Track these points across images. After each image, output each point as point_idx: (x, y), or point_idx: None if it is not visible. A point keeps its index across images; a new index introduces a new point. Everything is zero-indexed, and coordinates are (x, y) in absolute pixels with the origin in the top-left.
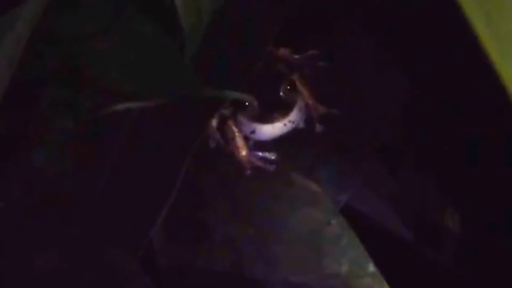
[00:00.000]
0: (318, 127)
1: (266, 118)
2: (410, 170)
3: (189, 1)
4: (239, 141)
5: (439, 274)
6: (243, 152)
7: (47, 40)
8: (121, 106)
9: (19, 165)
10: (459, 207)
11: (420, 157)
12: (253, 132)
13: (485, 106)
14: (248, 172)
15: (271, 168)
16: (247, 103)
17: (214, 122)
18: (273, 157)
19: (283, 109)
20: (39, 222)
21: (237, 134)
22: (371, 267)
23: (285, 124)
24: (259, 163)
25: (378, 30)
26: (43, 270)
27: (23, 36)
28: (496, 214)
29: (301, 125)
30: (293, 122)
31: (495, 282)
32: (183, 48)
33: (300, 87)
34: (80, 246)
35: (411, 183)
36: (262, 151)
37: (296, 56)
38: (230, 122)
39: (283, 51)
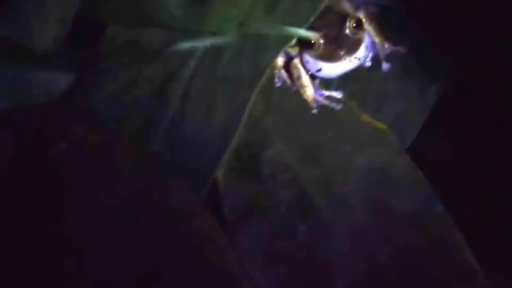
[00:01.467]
0: (385, 65)
1: (332, 56)
2: (479, 109)
3: None
4: (305, 80)
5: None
6: (309, 91)
7: None
8: (186, 44)
9: (81, 106)
10: None
11: (490, 93)
12: (319, 70)
13: None
14: (315, 111)
15: (338, 106)
16: (313, 41)
17: (280, 61)
18: (339, 96)
19: (349, 47)
20: (100, 164)
21: (303, 72)
22: (439, 207)
23: (350, 61)
24: (326, 102)
25: None
26: (109, 205)
27: None
28: None
29: (368, 63)
30: (359, 59)
31: None
32: None
33: (366, 24)
34: (143, 185)
35: (478, 122)
36: (328, 89)
37: None
38: (296, 61)
39: None
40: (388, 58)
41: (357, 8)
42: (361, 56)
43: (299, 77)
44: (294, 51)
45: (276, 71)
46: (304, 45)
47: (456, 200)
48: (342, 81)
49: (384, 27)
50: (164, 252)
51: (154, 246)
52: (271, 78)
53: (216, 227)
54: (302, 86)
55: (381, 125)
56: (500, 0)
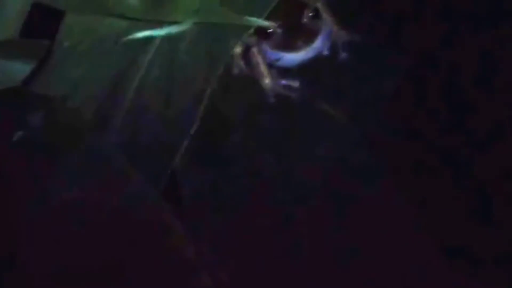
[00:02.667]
0: (342, 54)
1: (289, 45)
2: (436, 102)
3: None
4: (263, 69)
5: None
6: (267, 80)
7: None
8: (142, 34)
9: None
10: None
11: (446, 86)
12: (277, 59)
13: None
14: (272, 100)
15: (295, 96)
16: (270, 31)
17: (238, 50)
18: (297, 85)
19: (307, 37)
20: (59, 151)
21: (261, 61)
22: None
23: (308, 51)
24: (283, 91)
25: None
26: (67, 199)
27: None
28: None
29: (326, 52)
30: (317, 49)
31: None
32: None
33: (324, 14)
34: (100, 174)
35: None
36: (286, 78)
37: None
38: (254, 50)
39: None
40: (345, 47)
41: None
42: (318, 45)
43: (257, 66)
44: (252, 40)
45: (235, 59)
46: (262, 34)
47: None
48: (300, 70)
49: (341, 16)
50: (123, 243)
51: (113, 238)
52: (230, 67)
53: (174, 217)
54: (260, 75)
55: (339, 114)
56: None
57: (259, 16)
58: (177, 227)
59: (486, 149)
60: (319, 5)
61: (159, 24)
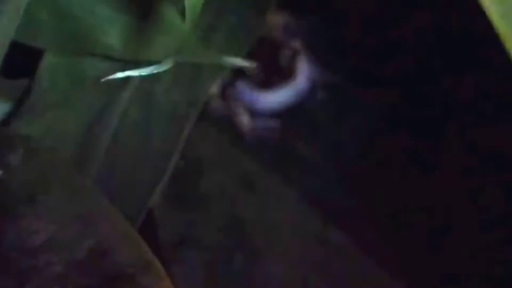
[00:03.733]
0: (320, 95)
1: (268, 85)
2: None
3: None
4: (241, 109)
5: None
6: (245, 120)
7: (45, 6)
8: (121, 74)
9: (18, 134)
10: None
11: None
12: (254, 99)
13: None
14: (250, 140)
15: (273, 136)
16: (248, 71)
17: (215, 90)
18: (274, 125)
19: (284, 77)
20: (37, 190)
21: (238, 102)
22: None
23: (286, 90)
24: (261, 131)
25: None
26: (45, 238)
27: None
28: None
29: (304, 92)
30: (295, 89)
31: None
32: (183, 13)
33: (302, 54)
34: (78, 212)
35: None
36: (263, 118)
37: (298, 22)
38: (232, 90)
39: (284, 18)
40: (323, 87)
41: (293, 37)
42: (297, 85)
43: (234, 106)
44: (230, 80)
45: (212, 100)
46: (240, 73)
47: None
48: (277, 110)
49: (320, 56)
50: (99, 281)
51: (89, 275)
52: (207, 107)
53: (151, 255)
54: (238, 115)
55: (316, 155)
56: None
57: (237, 56)
58: (154, 265)
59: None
60: (297, 45)
61: (138, 64)
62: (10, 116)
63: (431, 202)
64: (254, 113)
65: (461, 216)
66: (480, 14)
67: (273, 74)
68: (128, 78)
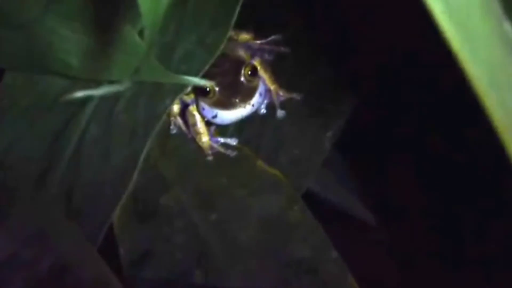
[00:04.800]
0: (280, 112)
1: (227, 103)
2: (372, 157)
3: None
4: (201, 127)
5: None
6: (205, 138)
7: (5, 23)
8: (81, 93)
9: None
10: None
11: (382, 143)
12: (214, 116)
13: None
14: (210, 157)
15: (233, 153)
16: (208, 89)
17: (175, 108)
18: (234, 143)
19: (244, 94)
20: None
21: (198, 119)
22: (334, 253)
23: (245, 108)
24: (221, 149)
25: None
26: (5, 257)
27: None
28: None
29: (263, 110)
30: (254, 106)
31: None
32: (142, 33)
33: (261, 72)
34: (40, 230)
35: (372, 169)
36: (224, 136)
37: (258, 41)
38: (192, 108)
39: (244, 36)
40: (282, 105)
41: (252, 55)
42: (256, 103)
43: (194, 124)
44: (189, 98)
45: (172, 118)
46: (200, 92)
47: (349, 245)
48: (237, 128)
49: (279, 75)
50: None
51: None
52: (167, 125)
53: (111, 274)
54: (198, 133)
55: (275, 172)
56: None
57: (196, 75)
58: (113, 284)
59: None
60: (256, 63)
61: (98, 82)
62: None
63: None
64: (214, 130)
65: None
66: None
67: (232, 92)
68: (88, 96)
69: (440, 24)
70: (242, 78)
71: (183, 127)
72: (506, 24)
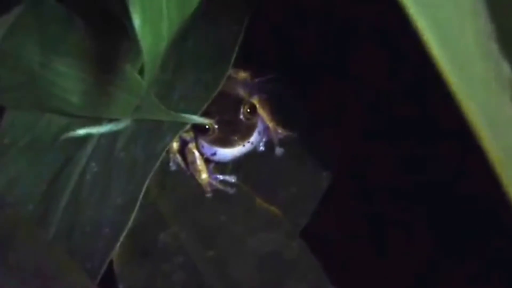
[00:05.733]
0: (278, 150)
1: (226, 141)
2: (371, 193)
3: (148, 23)
4: (200, 164)
5: None
6: (204, 175)
7: (5, 62)
8: (82, 131)
9: None
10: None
11: (380, 180)
12: (213, 154)
13: None
14: (209, 195)
15: (231, 191)
16: (207, 127)
17: (175, 145)
18: (233, 180)
19: (243, 132)
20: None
21: (197, 157)
22: None
23: (244, 146)
24: (220, 186)
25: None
26: None
27: None
28: None
29: (262, 148)
30: (253, 144)
31: None
32: (142, 71)
33: (259, 110)
34: (40, 267)
35: (370, 205)
36: (223, 174)
37: (256, 80)
38: (191, 145)
39: (242, 74)
40: (281, 143)
41: (251, 93)
42: (254, 141)
43: (193, 162)
44: (189, 136)
45: (171, 155)
46: (199, 129)
47: (347, 282)
48: (236, 165)
49: (277, 112)
50: None
51: None
52: (166, 163)
53: None
54: (197, 170)
55: (274, 209)
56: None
57: (195, 113)
58: None
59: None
60: (255, 101)
61: (98, 120)
62: None
63: None
64: (213, 168)
65: None
66: None
67: (231, 129)
68: (87, 134)
69: (438, 63)
70: (241, 116)
71: (182, 164)
72: (503, 64)
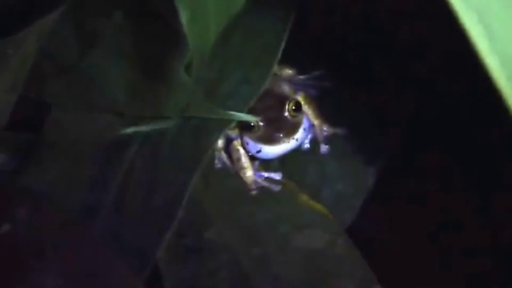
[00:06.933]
0: (323, 147)
1: (271, 138)
2: (414, 189)
3: (195, 21)
4: (245, 162)
5: None
6: (249, 173)
7: (52, 63)
8: (129, 130)
9: (24, 188)
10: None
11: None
12: (259, 151)
13: None
14: (254, 192)
15: (277, 188)
16: (252, 124)
17: (220, 143)
18: (278, 177)
19: (288, 129)
20: (45, 244)
21: (243, 154)
22: (377, 286)
23: (289, 143)
24: (265, 184)
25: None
26: (54, 285)
27: (30, 57)
28: None
29: (307, 145)
30: (298, 141)
31: None
32: (189, 68)
33: (305, 107)
34: (86, 266)
35: (415, 202)
36: (268, 171)
37: (301, 77)
38: (236, 143)
39: (287, 72)
40: (326, 140)
41: (296, 91)
42: (299, 138)
43: (238, 159)
44: (234, 133)
45: (217, 153)
46: (244, 127)
47: (394, 279)
48: (281, 163)
49: (323, 110)
50: None
51: None
52: (212, 160)
53: None
54: (242, 168)
55: (319, 206)
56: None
57: (241, 110)
58: None
59: None
60: (300, 98)
61: (144, 118)
62: (17, 170)
63: None
64: (258, 165)
65: None
66: None
67: (276, 127)
68: (135, 132)
69: (485, 61)
70: (286, 114)
71: (227, 162)
72: None
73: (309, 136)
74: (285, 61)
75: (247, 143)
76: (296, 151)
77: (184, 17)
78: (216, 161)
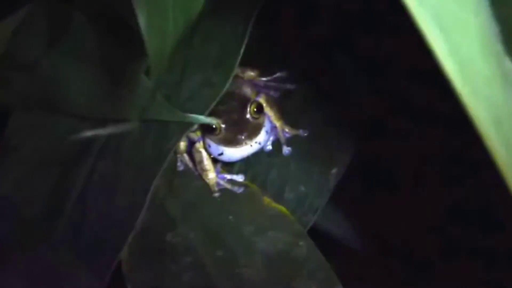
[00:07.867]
0: (286, 149)
1: (233, 140)
2: (379, 191)
3: (154, 24)
4: (207, 164)
5: None
6: (211, 175)
7: (11, 64)
8: (89, 132)
9: None
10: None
11: (388, 176)
12: (220, 154)
13: None
14: (217, 194)
15: (239, 190)
16: (214, 126)
17: (182, 145)
18: (241, 179)
19: (250, 132)
20: (7, 249)
21: (205, 156)
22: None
23: (251, 145)
24: (227, 185)
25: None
26: None
27: None
28: None
29: (269, 147)
30: (260, 143)
31: None
32: (149, 72)
33: (266, 109)
34: (48, 269)
35: (379, 203)
36: (230, 173)
37: (263, 78)
38: (198, 145)
39: (249, 74)
40: (288, 142)
41: (258, 93)
42: (261, 140)
43: (201, 161)
44: (196, 136)
45: (179, 155)
46: (206, 129)
47: (356, 280)
48: (243, 165)
49: (284, 112)
50: None
51: None
52: (174, 163)
53: None
54: (204, 170)
55: (282, 208)
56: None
57: (202, 113)
58: None
59: None
60: (262, 100)
61: (105, 121)
62: None
63: None
64: (220, 167)
65: None
66: None
67: (238, 129)
68: (95, 135)
69: (442, 64)
70: (248, 116)
71: (190, 164)
72: (507, 62)
73: (271, 138)
74: (247, 63)
75: (209, 146)
76: (259, 153)
77: (142, 20)
78: (178, 164)
